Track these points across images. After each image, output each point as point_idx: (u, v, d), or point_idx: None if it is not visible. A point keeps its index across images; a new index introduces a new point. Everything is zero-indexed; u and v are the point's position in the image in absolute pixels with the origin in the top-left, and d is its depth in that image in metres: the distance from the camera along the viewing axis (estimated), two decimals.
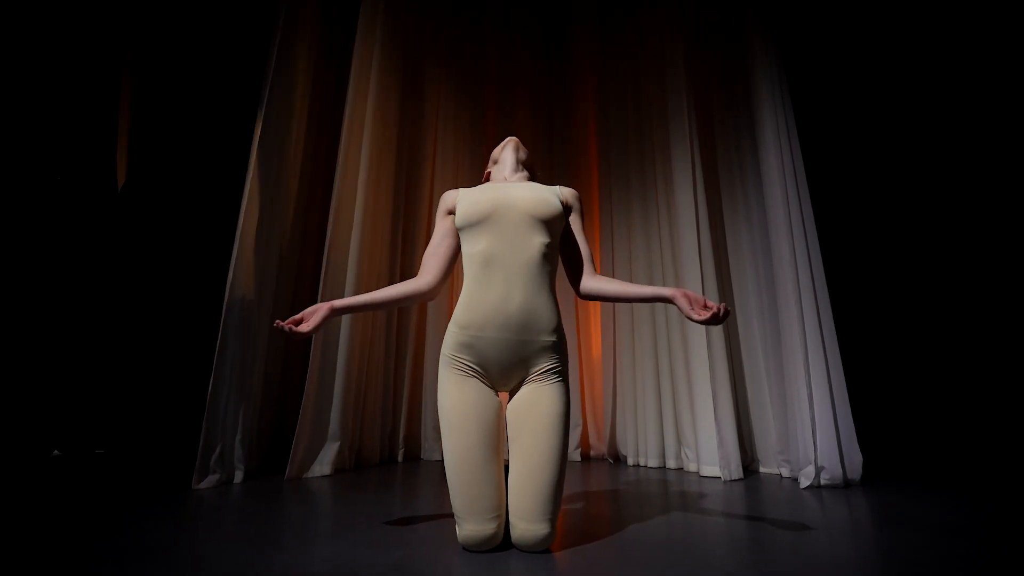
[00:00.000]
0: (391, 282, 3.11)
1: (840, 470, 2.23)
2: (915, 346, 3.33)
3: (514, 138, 1.70)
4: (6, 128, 2.93)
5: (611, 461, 3.12)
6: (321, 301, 2.62)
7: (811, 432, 2.28)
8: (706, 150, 2.97)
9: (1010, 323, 3.09)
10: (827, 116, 3.47)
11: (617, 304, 3.18)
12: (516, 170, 1.63)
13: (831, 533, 1.51)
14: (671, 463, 2.83)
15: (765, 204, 2.66)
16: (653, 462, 2.88)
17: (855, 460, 2.27)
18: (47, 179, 3.07)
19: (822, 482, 2.23)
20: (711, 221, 2.84)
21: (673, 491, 2.19)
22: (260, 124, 2.59)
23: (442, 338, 1.47)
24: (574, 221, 1.58)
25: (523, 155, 1.67)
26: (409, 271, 3.30)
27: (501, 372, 1.41)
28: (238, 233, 2.46)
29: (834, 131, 3.50)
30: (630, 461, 3.00)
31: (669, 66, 2.99)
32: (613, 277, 3.20)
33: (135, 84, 3.50)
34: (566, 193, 1.58)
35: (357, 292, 2.74)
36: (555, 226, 1.48)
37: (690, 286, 2.70)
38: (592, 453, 3.30)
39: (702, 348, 2.63)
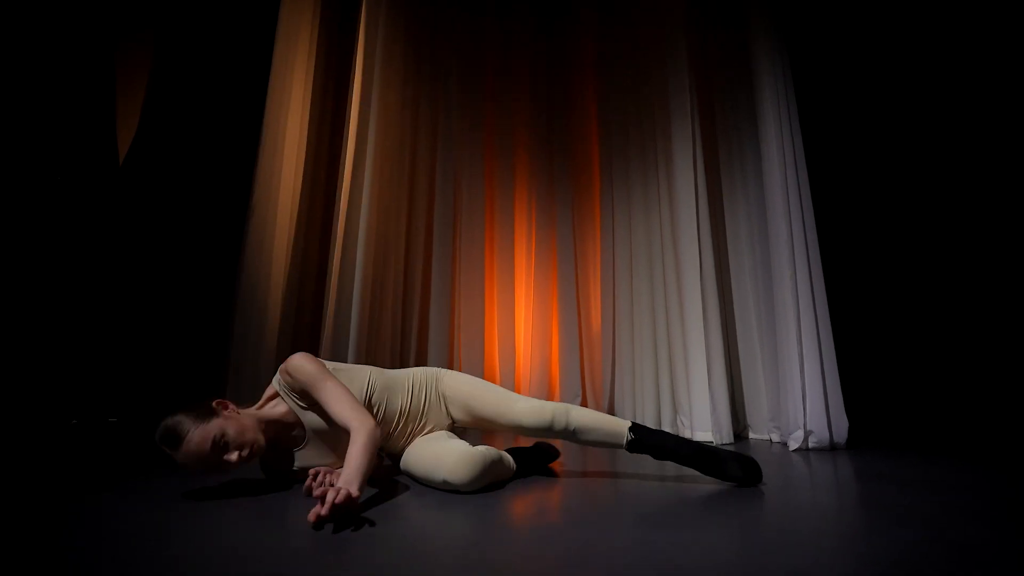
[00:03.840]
0: (399, 254, 3.22)
1: (827, 434, 2.32)
2: (904, 321, 3.40)
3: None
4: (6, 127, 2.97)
5: None
6: (331, 276, 2.71)
7: (801, 400, 2.37)
8: (706, 131, 3.02)
9: (995, 299, 3.15)
10: (827, 98, 3.50)
11: (617, 277, 3.28)
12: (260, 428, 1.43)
13: (814, 485, 1.61)
14: (667, 429, 2.93)
15: (764, 183, 2.71)
16: None
17: (841, 425, 2.37)
18: (50, 175, 3.11)
19: (810, 445, 2.33)
20: (710, 200, 2.90)
21: None
22: (267, 113, 2.66)
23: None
24: (305, 397, 1.49)
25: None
26: (413, 250, 3.37)
27: None
28: (251, 208, 2.55)
29: (833, 113, 3.53)
30: None
31: (670, 47, 3.03)
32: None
33: (138, 70, 3.53)
34: (286, 379, 1.49)
35: (365, 273, 2.87)
36: (310, 416, 1.50)
37: (688, 264, 2.79)
38: None
39: (698, 320, 2.72)
